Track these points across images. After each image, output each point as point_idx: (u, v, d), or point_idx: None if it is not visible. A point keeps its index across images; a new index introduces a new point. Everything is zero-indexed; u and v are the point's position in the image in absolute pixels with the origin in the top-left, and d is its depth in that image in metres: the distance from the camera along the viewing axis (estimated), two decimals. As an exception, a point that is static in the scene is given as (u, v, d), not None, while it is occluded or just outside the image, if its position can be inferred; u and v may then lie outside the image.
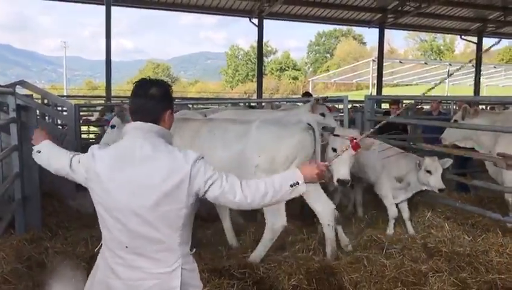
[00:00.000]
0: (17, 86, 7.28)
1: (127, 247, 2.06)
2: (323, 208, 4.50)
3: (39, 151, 2.51)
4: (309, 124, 4.38)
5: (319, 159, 4.27)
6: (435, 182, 4.91)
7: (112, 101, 14.72)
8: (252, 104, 12.17)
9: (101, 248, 2.21)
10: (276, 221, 4.28)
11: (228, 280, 3.86)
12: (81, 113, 10.20)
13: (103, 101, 16.01)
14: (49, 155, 2.46)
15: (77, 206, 6.14)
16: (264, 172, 4.12)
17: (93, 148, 2.18)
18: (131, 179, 2.01)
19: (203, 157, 2.10)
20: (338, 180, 4.29)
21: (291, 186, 2.16)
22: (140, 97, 2.14)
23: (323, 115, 5.81)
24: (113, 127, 5.50)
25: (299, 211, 5.55)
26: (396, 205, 5.41)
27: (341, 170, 4.25)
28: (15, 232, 5.05)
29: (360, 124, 7.08)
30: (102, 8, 15.59)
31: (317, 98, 6.30)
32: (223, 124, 4.68)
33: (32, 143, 2.58)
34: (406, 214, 5.39)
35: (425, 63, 29.98)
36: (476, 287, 3.90)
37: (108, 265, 2.11)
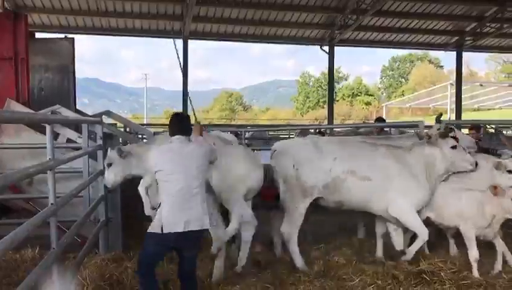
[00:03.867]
0: (103, 116, 7.89)
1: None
2: None
3: None
4: None
5: None
6: None
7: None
8: (322, 130, 12.12)
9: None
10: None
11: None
12: (159, 141, 10.74)
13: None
14: None
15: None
16: None
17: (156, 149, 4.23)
18: (185, 162, 3.86)
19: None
20: None
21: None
22: (180, 122, 4.13)
23: (456, 138, 5.44)
24: (109, 165, 4.96)
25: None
26: None
27: None
28: (99, 252, 5.41)
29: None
30: (180, 40, 16.62)
31: (450, 127, 5.74)
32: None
33: None
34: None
35: (510, 86, 28.06)
36: None
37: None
